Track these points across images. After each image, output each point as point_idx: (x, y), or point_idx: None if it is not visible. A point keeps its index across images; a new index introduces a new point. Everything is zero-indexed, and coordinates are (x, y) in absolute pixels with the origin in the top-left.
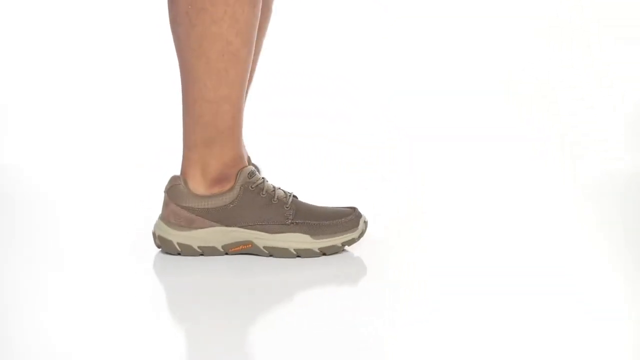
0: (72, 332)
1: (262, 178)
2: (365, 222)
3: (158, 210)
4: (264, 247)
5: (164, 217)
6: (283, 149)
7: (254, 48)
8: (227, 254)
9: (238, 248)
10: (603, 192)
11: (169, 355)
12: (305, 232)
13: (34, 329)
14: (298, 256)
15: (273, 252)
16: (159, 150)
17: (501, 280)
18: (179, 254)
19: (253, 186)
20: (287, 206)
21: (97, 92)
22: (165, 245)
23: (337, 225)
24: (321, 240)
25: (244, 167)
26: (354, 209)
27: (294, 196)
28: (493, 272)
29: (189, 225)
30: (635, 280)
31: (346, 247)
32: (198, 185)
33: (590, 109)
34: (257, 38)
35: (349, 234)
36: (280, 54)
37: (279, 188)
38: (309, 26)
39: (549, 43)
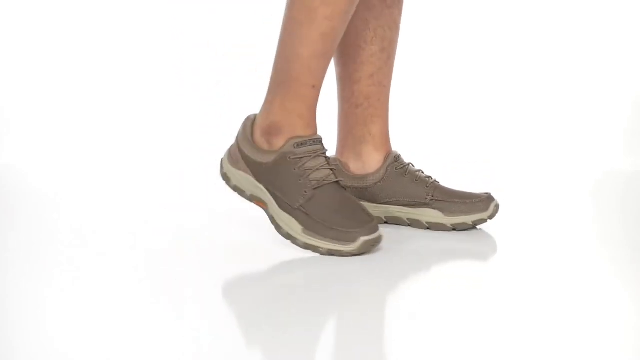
0: (72, 333)
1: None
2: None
3: (157, 210)
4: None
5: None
6: None
7: (341, 16)
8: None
9: (260, 203)
10: (603, 192)
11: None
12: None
13: (34, 330)
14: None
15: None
16: (159, 150)
17: (501, 280)
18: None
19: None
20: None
21: (97, 92)
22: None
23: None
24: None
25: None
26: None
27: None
28: (493, 272)
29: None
30: (635, 280)
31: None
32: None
33: (590, 109)
34: (389, 34)
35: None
36: None
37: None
38: None
39: (549, 43)
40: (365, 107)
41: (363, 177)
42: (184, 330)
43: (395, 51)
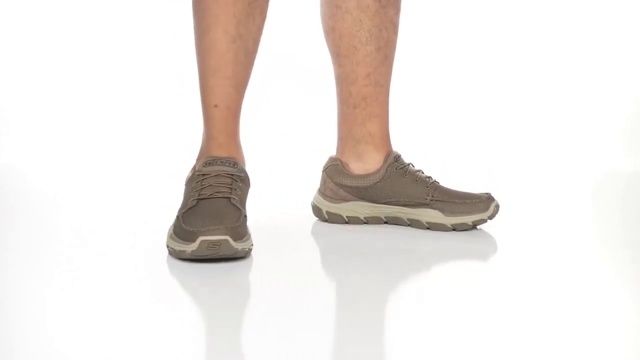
0: (72, 333)
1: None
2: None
3: (157, 210)
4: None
5: (322, 192)
6: (282, 148)
7: (222, 31)
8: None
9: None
10: (603, 192)
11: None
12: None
13: (34, 330)
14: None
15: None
16: (159, 150)
17: (502, 280)
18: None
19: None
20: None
21: (97, 92)
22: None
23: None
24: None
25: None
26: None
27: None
28: (493, 272)
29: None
30: (635, 280)
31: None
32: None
33: (590, 109)
34: (384, 33)
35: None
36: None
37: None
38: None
39: (549, 43)
40: (363, 108)
41: (363, 177)
42: (183, 330)
43: (393, 51)
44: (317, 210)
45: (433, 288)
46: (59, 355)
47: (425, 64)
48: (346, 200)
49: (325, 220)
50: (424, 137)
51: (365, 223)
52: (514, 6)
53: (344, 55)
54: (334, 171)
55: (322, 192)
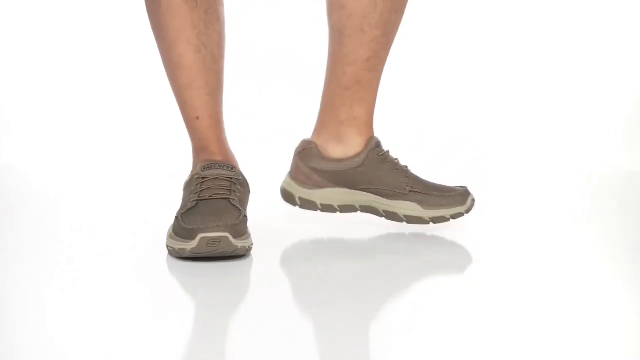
0: (72, 332)
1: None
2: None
3: (157, 210)
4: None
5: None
6: (281, 148)
7: (188, 44)
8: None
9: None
10: (603, 192)
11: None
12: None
13: (34, 330)
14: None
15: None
16: (159, 150)
17: (499, 280)
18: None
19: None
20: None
21: (97, 92)
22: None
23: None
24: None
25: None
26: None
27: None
28: (490, 272)
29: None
30: (635, 280)
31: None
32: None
33: (590, 109)
34: (393, 17)
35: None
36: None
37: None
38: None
39: (547, 41)
40: (355, 91)
41: (342, 161)
42: (183, 330)
43: (395, 35)
44: (287, 195)
45: (433, 289)
46: (59, 355)
47: (424, 62)
48: (320, 186)
49: (297, 206)
50: (423, 137)
51: (338, 212)
52: (513, 6)
53: (347, 35)
54: (309, 155)
55: (294, 176)
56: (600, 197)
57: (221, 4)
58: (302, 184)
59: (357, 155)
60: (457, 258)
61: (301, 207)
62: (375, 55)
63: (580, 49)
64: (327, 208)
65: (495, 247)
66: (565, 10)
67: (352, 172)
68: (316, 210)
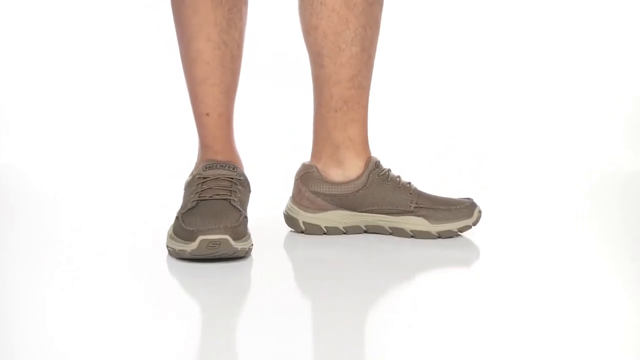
0: (72, 332)
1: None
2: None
3: (157, 210)
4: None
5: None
6: (281, 148)
7: (204, 39)
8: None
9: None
10: (603, 192)
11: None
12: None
13: (34, 330)
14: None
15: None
16: (159, 150)
17: (501, 278)
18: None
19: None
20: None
21: (97, 92)
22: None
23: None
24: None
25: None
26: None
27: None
28: (493, 270)
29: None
30: (635, 279)
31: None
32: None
33: (591, 107)
34: (369, 33)
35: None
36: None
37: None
38: None
39: (547, 41)
40: (344, 112)
41: (343, 185)
42: (183, 330)
43: (375, 51)
44: (291, 221)
45: (431, 291)
46: (59, 355)
47: (424, 62)
48: (324, 209)
49: (302, 231)
50: (423, 137)
51: (344, 233)
52: (513, 6)
53: (326, 56)
54: (310, 179)
55: (297, 201)
56: (601, 195)
57: (245, 3)
58: (306, 208)
59: (358, 177)
60: (458, 256)
61: (305, 231)
62: (358, 73)
63: (581, 47)
64: (333, 230)
65: (496, 245)
66: (565, 10)
67: (355, 195)
68: (321, 233)
